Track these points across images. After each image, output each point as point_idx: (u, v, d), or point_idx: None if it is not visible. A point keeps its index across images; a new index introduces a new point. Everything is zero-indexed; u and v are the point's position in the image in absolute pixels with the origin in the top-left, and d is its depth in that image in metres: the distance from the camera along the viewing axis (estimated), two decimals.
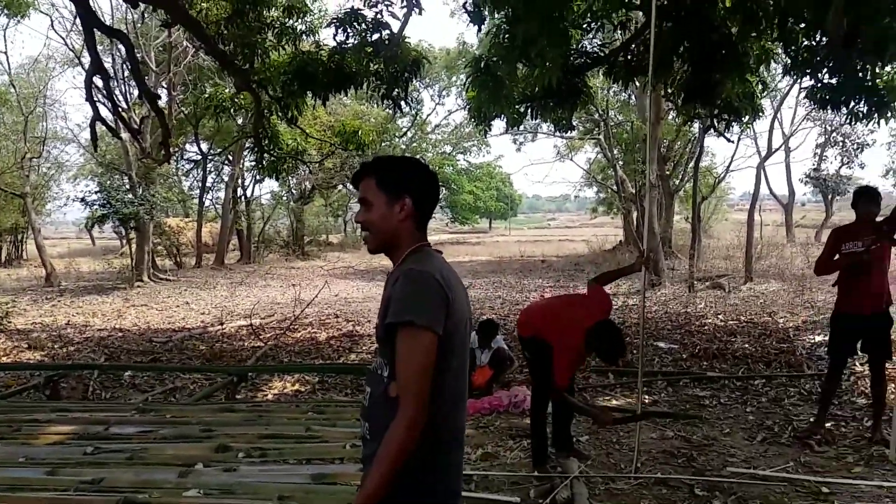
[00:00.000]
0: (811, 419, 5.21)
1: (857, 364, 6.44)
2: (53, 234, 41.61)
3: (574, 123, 16.53)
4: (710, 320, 10.05)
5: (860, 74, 7.02)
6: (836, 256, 4.91)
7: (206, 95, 12.49)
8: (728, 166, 25.76)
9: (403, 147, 34.08)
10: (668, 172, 20.18)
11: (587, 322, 4.16)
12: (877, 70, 7.01)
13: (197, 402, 3.93)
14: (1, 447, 2.54)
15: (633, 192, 18.58)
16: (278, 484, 2.09)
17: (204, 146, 23.73)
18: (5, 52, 37.40)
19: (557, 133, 21.64)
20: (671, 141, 20.18)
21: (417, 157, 37.69)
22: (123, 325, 11.59)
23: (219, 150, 23.86)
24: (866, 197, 4.86)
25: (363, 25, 8.10)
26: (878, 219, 4.87)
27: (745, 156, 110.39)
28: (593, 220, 46.41)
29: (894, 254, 4.98)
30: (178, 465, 2.29)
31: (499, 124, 10.74)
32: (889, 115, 7.28)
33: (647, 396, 6.28)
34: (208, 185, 27.48)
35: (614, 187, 19.51)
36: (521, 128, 22.54)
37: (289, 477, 2.17)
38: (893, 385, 5.56)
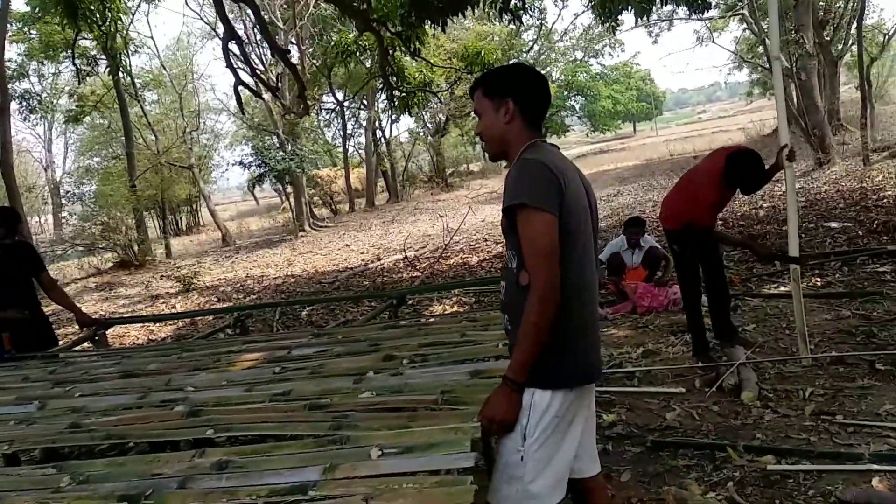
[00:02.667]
0: None
1: None
2: (222, 200, 45.37)
3: (712, 1, 15.15)
4: (889, 192, 9.12)
5: None
6: None
7: (332, 43, 12.89)
8: None
9: (532, 61, 33.14)
10: (827, 38, 18.07)
11: (714, 166, 4.17)
12: None
13: (364, 324, 4.26)
14: (206, 374, 2.93)
15: (788, 65, 16.87)
16: (439, 382, 2.26)
17: (339, 95, 24.54)
18: (152, 37, 40.57)
19: (695, 16, 19.97)
20: (829, 1, 17.99)
21: (547, 68, 36.29)
22: (294, 271, 12.58)
23: (351, 96, 24.56)
24: None
25: None
26: None
27: None
28: (749, 105, 42.87)
29: None
30: (352, 375, 2.53)
31: (629, 18, 10.19)
32: None
33: (818, 279, 5.91)
34: (349, 131, 28.54)
35: (766, 64, 17.83)
36: (655, 17, 21.09)
37: (449, 376, 2.34)
38: None
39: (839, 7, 18.56)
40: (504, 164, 36.67)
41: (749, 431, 3.30)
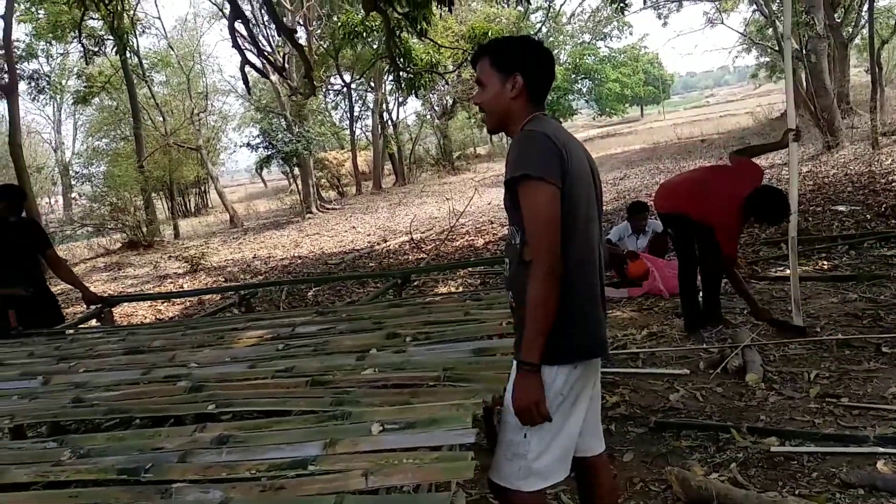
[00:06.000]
0: None
1: None
2: (230, 182, 45.39)
3: None
4: None
5: None
6: None
7: (339, 24, 12.81)
8: None
9: None
10: (838, 20, 17.79)
11: (739, 192, 4.09)
12: None
13: (369, 303, 4.26)
14: (210, 351, 2.93)
15: (798, 47, 16.67)
16: (442, 359, 2.26)
17: (346, 76, 24.44)
18: (160, 18, 40.35)
19: None
20: None
21: (554, 50, 35.79)
22: (301, 252, 12.61)
23: (358, 77, 24.43)
24: None
25: None
26: None
27: None
28: (757, 89, 42.52)
29: None
30: (355, 352, 2.52)
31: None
32: None
33: (825, 262, 5.87)
34: (356, 114, 28.40)
35: (776, 47, 17.63)
36: None
37: (452, 354, 2.33)
38: None
39: None
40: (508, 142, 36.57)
41: (753, 413, 3.29)
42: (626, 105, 50.57)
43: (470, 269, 7.78)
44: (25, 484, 1.84)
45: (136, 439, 2.00)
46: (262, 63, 10.90)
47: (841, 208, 7.62)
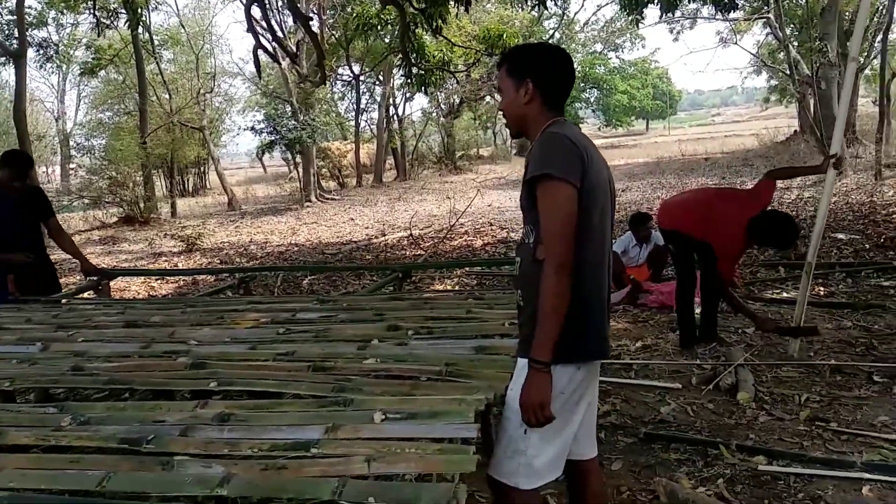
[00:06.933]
0: None
1: None
2: (230, 165, 45.17)
3: (738, 2, 15.02)
4: None
5: None
6: None
7: (354, 15, 12.81)
8: None
9: None
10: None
11: (744, 216, 4.10)
12: None
13: (369, 294, 4.27)
14: (210, 330, 2.94)
15: (809, 73, 16.71)
16: (444, 354, 2.27)
17: (356, 68, 24.41)
18: None
19: (719, 16, 19.73)
20: (853, 13, 17.78)
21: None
22: (298, 240, 12.59)
23: (368, 70, 24.40)
24: None
25: None
26: None
27: None
28: (764, 111, 42.64)
29: None
30: (356, 341, 2.53)
31: (653, 13, 10.14)
32: None
33: (822, 288, 5.91)
34: (362, 106, 28.36)
35: (787, 71, 17.68)
36: (678, 14, 20.87)
37: (454, 349, 2.34)
38: None
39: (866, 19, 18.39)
40: (514, 151, 36.50)
41: (742, 431, 3.32)
42: (633, 118, 50.70)
43: (467, 269, 7.80)
44: (24, 447, 1.84)
45: (137, 411, 2.01)
46: (274, 48, 10.91)
47: (840, 236, 7.67)
